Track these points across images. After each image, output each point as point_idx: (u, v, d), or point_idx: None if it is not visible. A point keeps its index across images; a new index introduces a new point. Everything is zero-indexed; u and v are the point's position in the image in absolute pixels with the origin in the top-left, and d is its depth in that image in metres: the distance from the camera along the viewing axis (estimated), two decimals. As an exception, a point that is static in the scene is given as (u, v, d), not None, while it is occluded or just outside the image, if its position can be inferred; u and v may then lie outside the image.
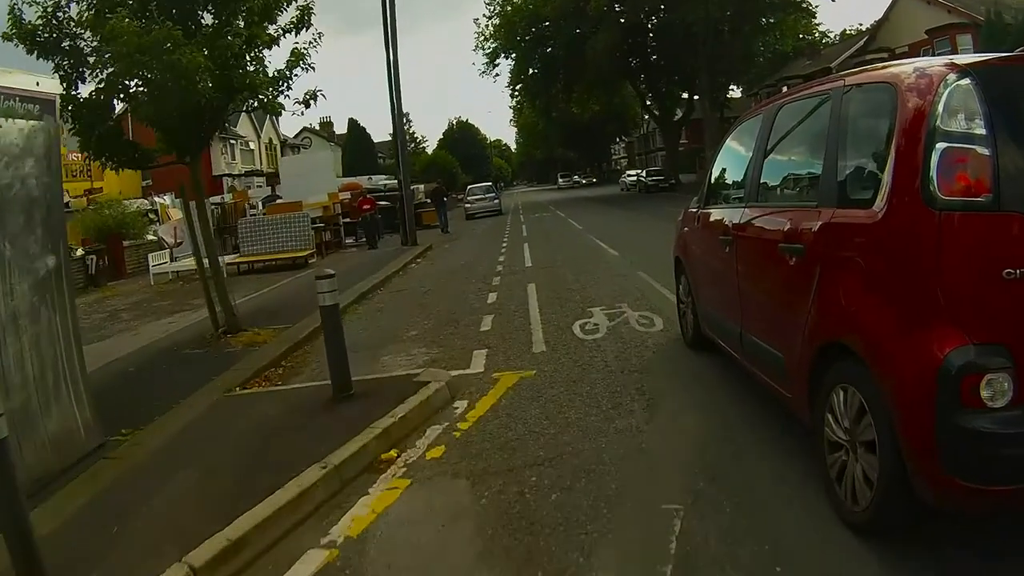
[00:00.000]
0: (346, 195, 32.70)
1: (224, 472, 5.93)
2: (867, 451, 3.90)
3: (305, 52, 11.62)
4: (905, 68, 4.05)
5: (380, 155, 73.71)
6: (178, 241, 27.09)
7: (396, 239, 28.91)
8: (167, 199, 34.99)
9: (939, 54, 39.62)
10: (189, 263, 23.72)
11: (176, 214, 30.30)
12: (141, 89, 10.69)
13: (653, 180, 58.38)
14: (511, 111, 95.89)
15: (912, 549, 3.88)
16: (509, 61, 65.95)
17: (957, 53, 39.28)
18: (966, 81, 3.53)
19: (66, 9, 10.22)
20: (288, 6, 11.57)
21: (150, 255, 23.76)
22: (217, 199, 33.12)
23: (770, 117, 5.88)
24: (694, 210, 7.79)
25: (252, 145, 63.89)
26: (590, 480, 5.13)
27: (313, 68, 11.77)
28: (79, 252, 22.76)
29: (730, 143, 7.24)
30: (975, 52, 37.54)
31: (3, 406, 4.18)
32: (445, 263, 21.64)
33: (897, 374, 3.60)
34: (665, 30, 55.83)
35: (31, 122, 6.62)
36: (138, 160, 11.61)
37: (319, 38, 11.84)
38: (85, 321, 15.52)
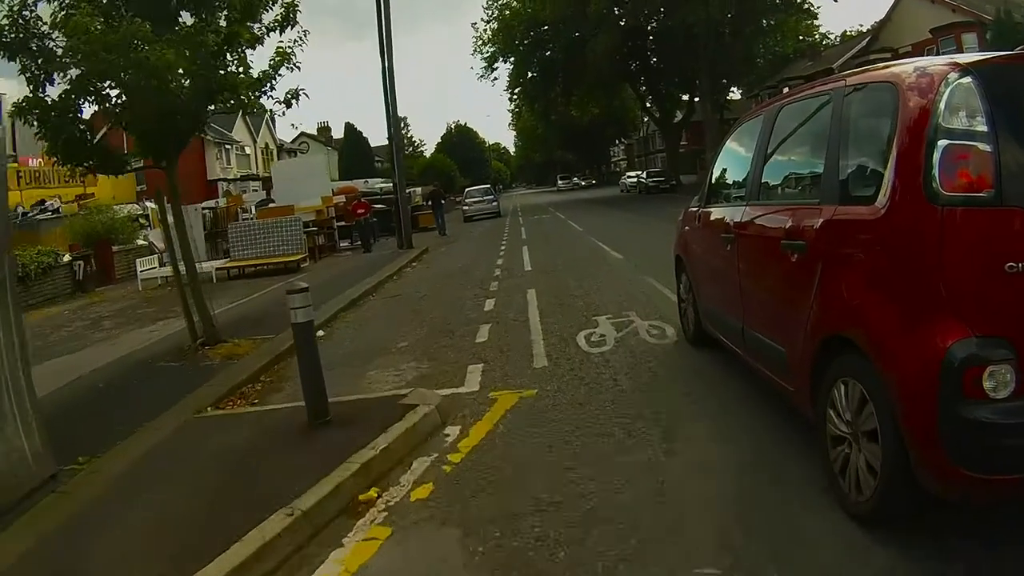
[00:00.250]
0: (340, 199, 32.07)
1: (180, 514, 5.16)
2: (870, 440, 3.93)
3: (290, 51, 10.91)
4: (906, 67, 4.12)
5: (378, 159, 73.10)
6: (170, 246, 26.72)
7: (393, 242, 28.35)
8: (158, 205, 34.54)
9: (944, 53, 39.56)
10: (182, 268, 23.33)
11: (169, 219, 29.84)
12: (115, 92, 10.10)
13: (654, 181, 57.96)
14: (510, 114, 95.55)
15: (916, 538, 3.88)
16: (507, 65, 65.88)
17: (962, 52, 39.20)
18: (967, 80, 3.59)
19: (32, 8, 9.54)
20: (273, 4, 10.89)
21: (138, 260, 23.16)
22: (211, 203, 32.65)
23: (771, 117, 5.97)
24: (695, 209, 7.89)
25: (248, 150, 63.73)
26: (604, 532, 4.29)
27: (298, 67, 11.07)
28: (66, 258, 22.61)
29: (731, 143, 7.32)
30: (980, 51, 37.74)
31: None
32: (441, 267, 20.86)
33: (900, 366, 3.64)
34: (665, 33, 55.50)
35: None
36: (109, 165, 10.91)
37: (304, 36, 11.15)
38: (66, 329, 15.32)
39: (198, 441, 6.85)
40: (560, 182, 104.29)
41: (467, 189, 53.88)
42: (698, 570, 3.79)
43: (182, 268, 11.48)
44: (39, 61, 9.61)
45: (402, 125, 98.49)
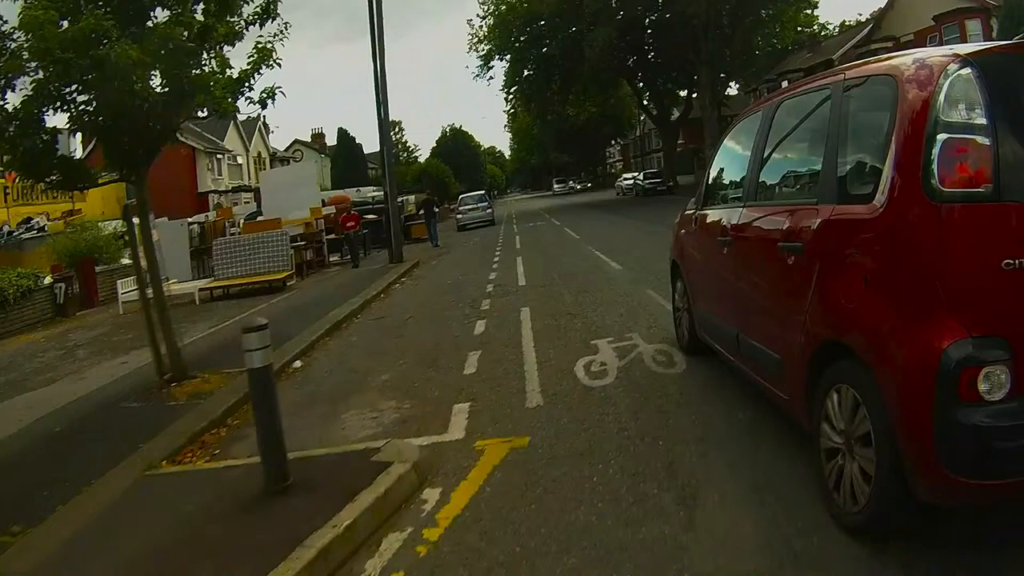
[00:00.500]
0: (330, 209, 31.15)
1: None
2: (864, 445, 3.89)
3: (271, 47, 9.99)
4: (905, 59, 4.03)
5: (371, 165, 72.45)
6: (155, 265, 25.92)
7: (384, 255, 27.39)
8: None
9: (947, 41, 39.79)
10: (165, 288, 22.42)
11: (155, 236, 29.05)
12: (82, 97, 9.17)
13: (650, 183, 57.38)
14: (505, 116, 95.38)
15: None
16: (504, 63, 65.46)
17: (966, 39, 39.28)
18: (967, 71, 3.53)
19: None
20: None
21: (119, 282, 22.17)
22: (201, 217, 31.82)
23: (769, 114, 5.85)
24: (691, 212, 7.71)
25: (240, 159, 63.13)
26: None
27: (279, 64, 10.11)
28: (47, 280, 21.77)
29: (728, 142, 7.20)
30: (984, 38, 37.47)
31: None
32: (431, 283, 19.94)
33: (896, 370, 3.57)
34: (663, 26, 55.36)
35: None
36: (74, 180, 10.00)
37: (286, 29, 10.16)
38: (39, 360, 14.47)
39: (141, 510, 5.97)
40: (556, 186, 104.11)
41: (461, 196, 53.14)
42: None
43: (150, 292, 10.67)
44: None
45: (396, 129, 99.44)
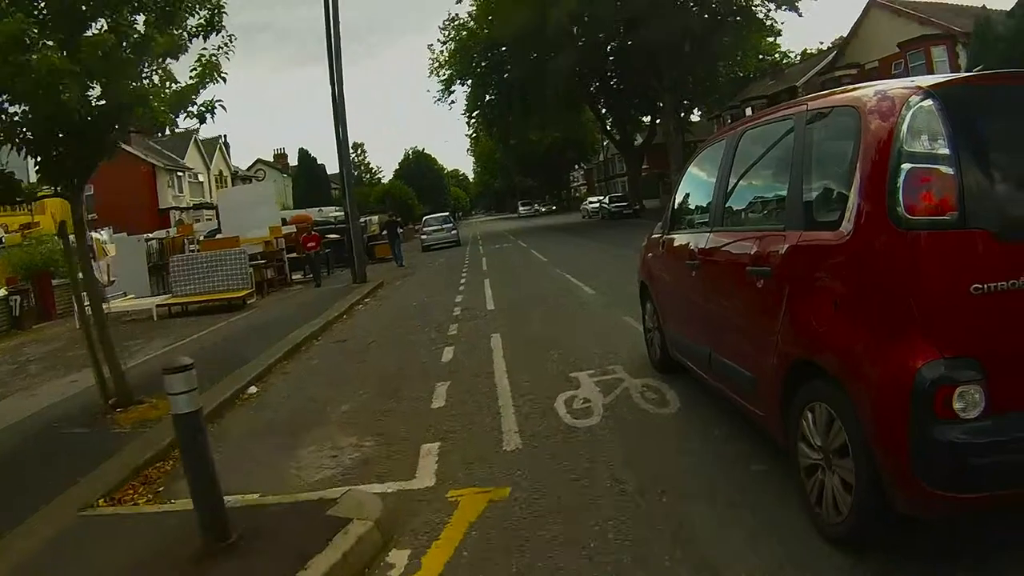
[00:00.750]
0: (291, 228, 30.16)
1: None
2: (841, 456, 3.96)
3: (216, 61, 9.39)
4: (867, 91, 4.15)
5: (334, 186, 71.63)
6: (111, 280, 25.26)
7: (347, 274, 26.76)
8: (104, 234, 33.30)
9: (913, 67, 40.14)
10: (121, 304, 21.91)
11: (112, 250, 28.46)
12: (13, 108, 8.57)
13: (616, 206, 57.15)
14: (468, 140, 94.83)
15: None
16: (465, 87, 64.84)
17: (932, 66, 39.55)
18: (928, 103, 3.62)
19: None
20: (198, 7, 9.32)
21: (73, 296, 21.09)
22: (161, 233, 30.98)
23: (733, 142, 5.98)
24: (658, 235, 7.88)
25: (201, 177, 62.34)
26: None
27: (224, 79, 9.50)
28: (1, 292, 21.57)
29: (693, 169, 7.34)
30: (950, 64, 37.67)
31: None
32: (395, 304, 19.24)
33: (870, 389, 3.67)
34: (625, 52, 55.26)
35: None
36: (7, 193, 9.34)
37: (231, 42, 9.60)
38: None
39: (68, 563, 5.22)
40: (521, 208, 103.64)
41: (425, 217, 52.62)
42: None
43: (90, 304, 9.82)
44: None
45: (359, 151, 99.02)
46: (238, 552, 4.75)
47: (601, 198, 68.48)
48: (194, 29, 9.33)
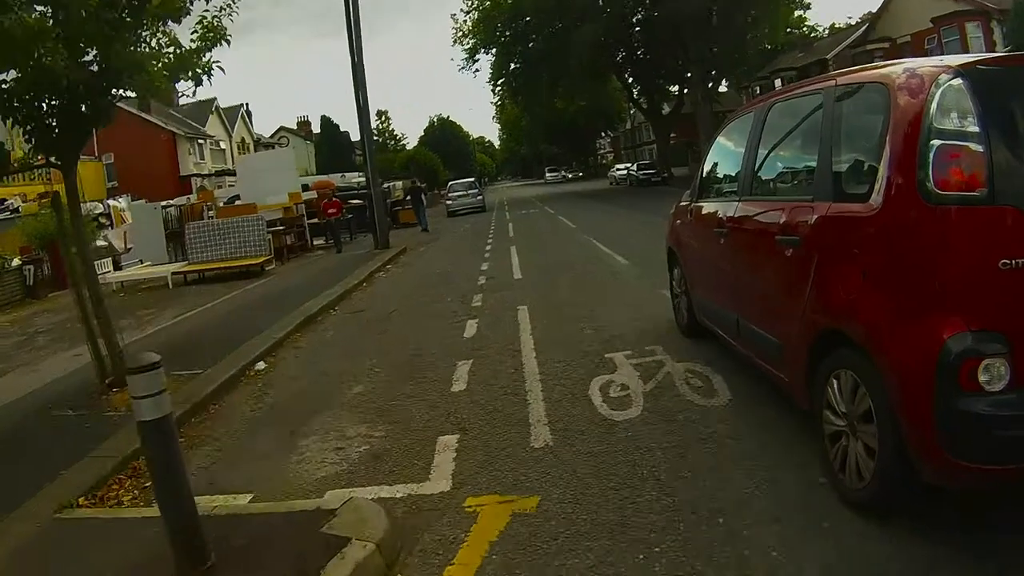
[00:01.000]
0: (313, 195, 29.89)
1: None
2: (866, 422, 3.99)
3: (219, 23, 8.82)
4: (896, 69, 4.16)
5: (357, 152, 71.03)
6: (128, 247, 24.71)
7: (370, 240, 26.10)
8: (122, 202, 32.75)
9: (947, 43, 39.19)
10: (136, 272, 21.64)
11: (129, 217, 27.92)
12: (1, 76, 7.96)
13: (644, 174, 55.94)
14: (493, 107, 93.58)
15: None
16: (489, 56, 63.88)
17: (966, 42, 38.68)
18: (958, 81, 3.63)
19: None
20: None
21: None
22: (182, 200, 30.44)
23: (761, 115, 6.04)
24: (686, 203, 7.94)
25: (223, 144, 61.50)
26: None
27: (228, 41, 8.93)
28: (15, 262, 21.15)
29: (721, 139, 7.37)
30: (985, 41, 36.77)
31: None
32: (418, 272, 18.47)
33: (896, 359, 3.68)
34: (651, 23, 53.99)
35: None
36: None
37: (234, 3, 8.99)
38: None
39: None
40: (548, 175, 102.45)
41: (450, 183, 52.07)
42: None
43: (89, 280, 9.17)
44: None
45: (382, 119, 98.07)
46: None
47: (629, 165, 67.37)
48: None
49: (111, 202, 33.57)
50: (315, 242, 28.36)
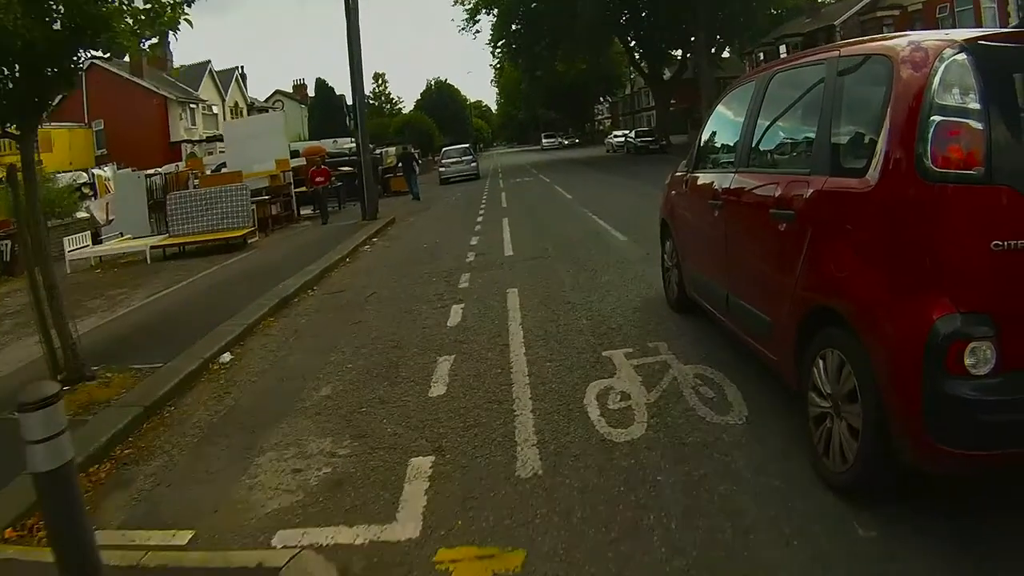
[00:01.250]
0: (301, 162, 28.89)
1: None
2: (850, 401, 3.94)
3: None
4: (900, 41, 4.08)
5: (349, 117, 70.18)
6: (110, 219, 23.86)
7: (360, 210, 25.20)
8: (107, 171, 31.90)
9: (959, 12, 38.32)
10: (114, 246, 20.77)
11: (113, 187, 27.09)
12: None
13: (643, 141, 55.03)
14: (492, 70, 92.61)
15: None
16: (491, 17, 63.13)
17: (980, 11, 37.54)
18: (962, 56, 3.55)
19: None
20: None
21: (66, 239, 20.26)
22: (171, 167, 29.44)
23: (762, 85, 5.91)
24: (682, 174, 7.82)
25: (216, 108, 60.60)
26: None
27: None
28: None
29: (721, 109, 7.25)
30: (998, 12, 35.97)
31: None
32: (404, 245, 17.67)
33: (885, 339, 3.64)
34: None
35: None
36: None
37: None
38: None
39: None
40: (544, 141, 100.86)
41: (444, 149, 51.21)
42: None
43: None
44: None
45: (379, 81, 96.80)
46: None
47: (627, 132, 66.65)
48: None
49: (96, 171, 32.76)
50: (303, 212, 27.43)
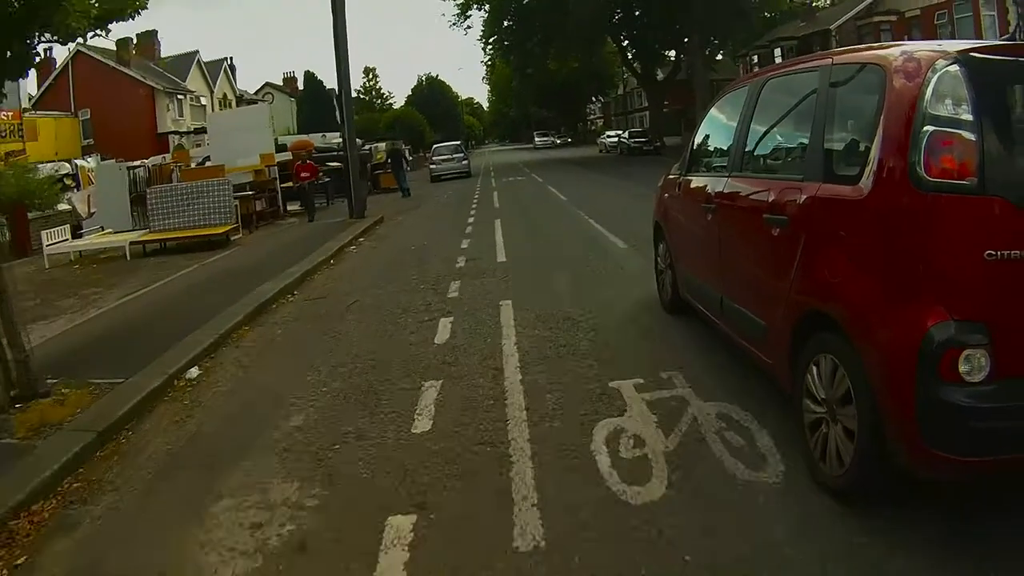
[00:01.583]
0: (288, 156, 28.19)
1: None
2: (845, 404, 3.96)
3: None
4: (893, 51, 4.13)
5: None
6: (91, 211, 23.13)
7: (347, 207, 24.45)
8: (91, 161, 31.13)
9: (959, 19, 38.05)
10: (93, 240, 20.14)
11: (91, 180, 26.35)
12: None
13: (636, 142, 55.13)
14: (484, 67, 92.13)
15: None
16: (482, 12, 62.69)
17: (979, 20, 37.26)
18: (954, 68, 3.60)
19: None
20: None
21: (44, 232, 19.65)
22: (158, 159, 28.65)
23: (756, 90, 5.97)
24: (675, 176, 7.83)
25: (204, 100, 59.67)
26: None
27: None
28: None
29: (714, 112, 7.28)
30: (999, 21, 35.66)
31: None
32: (392, 247, 16.98)
33: (879, 345, 3.68)
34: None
35: None
36: None
37: None
38: None
39: None
40: (537, 139, 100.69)
41: (435, 145, 50.77)
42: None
43: None
44: None
45: (370, 76, 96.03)
46: None
47: (620, 132, 66.29)
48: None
49: (79, 162, 31.95)
50: (289, 208, 26.66)
